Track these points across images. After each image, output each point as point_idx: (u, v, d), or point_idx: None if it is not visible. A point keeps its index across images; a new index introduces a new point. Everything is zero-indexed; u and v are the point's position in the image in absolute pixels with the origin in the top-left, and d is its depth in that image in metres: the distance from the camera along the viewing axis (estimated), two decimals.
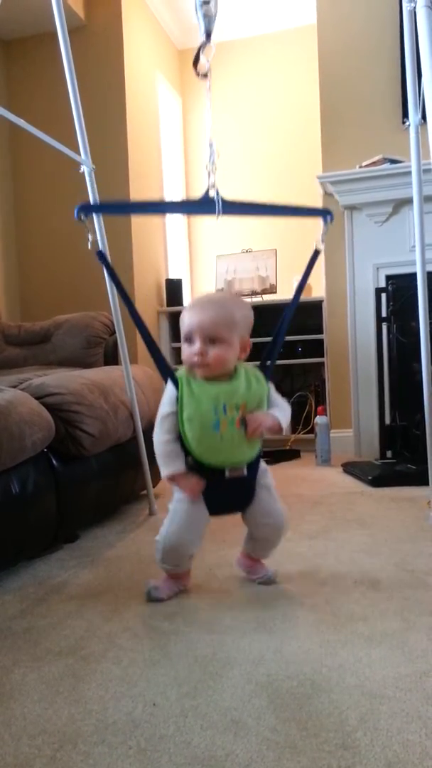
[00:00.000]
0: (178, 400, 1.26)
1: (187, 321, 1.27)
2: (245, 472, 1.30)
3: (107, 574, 1.57)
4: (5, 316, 3.22)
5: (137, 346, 3.17)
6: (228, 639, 1.16)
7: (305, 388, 3.46)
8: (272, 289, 3.49)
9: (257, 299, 3.44)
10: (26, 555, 1.67)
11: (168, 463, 1.28)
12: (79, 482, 1.83)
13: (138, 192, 3.27)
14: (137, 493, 2.29)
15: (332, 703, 0.94)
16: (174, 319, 3.50)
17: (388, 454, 2.74)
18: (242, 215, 1.45)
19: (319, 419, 2.97)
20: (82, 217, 1.33)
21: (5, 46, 3.36)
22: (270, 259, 3.53)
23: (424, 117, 1.87)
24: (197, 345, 1.24)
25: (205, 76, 1.36)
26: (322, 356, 3.24)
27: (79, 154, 1.95)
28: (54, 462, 1.73)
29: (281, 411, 1.31)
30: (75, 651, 1.15)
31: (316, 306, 3.25)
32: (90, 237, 1.34)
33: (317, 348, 3.25)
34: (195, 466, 1.27)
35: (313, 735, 0.86)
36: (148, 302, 3.40)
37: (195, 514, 1.31)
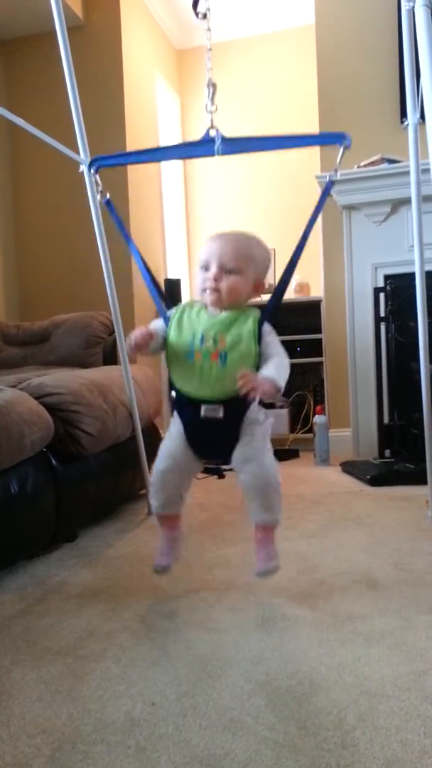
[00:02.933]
0: (168, 326, 1.29)
1: (205, 249, 1.27)
2: (220, 414, 1.24)
3: (106, 573, 1.57)
4: (4, 316, 3.21)
5: None
6: (227, 638, 1.17)
7: (304, 387, 3.46)
8: (271, 289, 3.49)
9: (255, 300, 3.43)
10: (25, 554, 1.67)
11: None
12: (78, 482, 1.83)
13: (136, 190, 3.26)
14: (136, 492, 2.29)
15: (331, 702, 0.94)
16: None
17: (387, 453, 2.75)
18: (245, 152, 1.44)
19: (318, 419, 2.98)
20: (93, 171, 1.43)
21: (4, 46, 3.36)
22: None
23: (422, 116, 1.87)
24: (213, 271, 1.24)
25: (205, 16, 1.37)
26: (321, 356, 3.24)
27: (79, 154, 1.95)
28: (53, 461, 1.73)
29: (277, 368, 1.21)
30: (74, 650, 1.15)
31: (314, 306, 3.25)
32: (100, 190, 1.45)
33: (316, 348, 3.25)
34: (177, 398, 1.28)
35: (312, 734, 0.86)
36: (147, 302, 3.38)
37: (178, 447, 1.30)
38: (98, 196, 1.46)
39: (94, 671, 1.07)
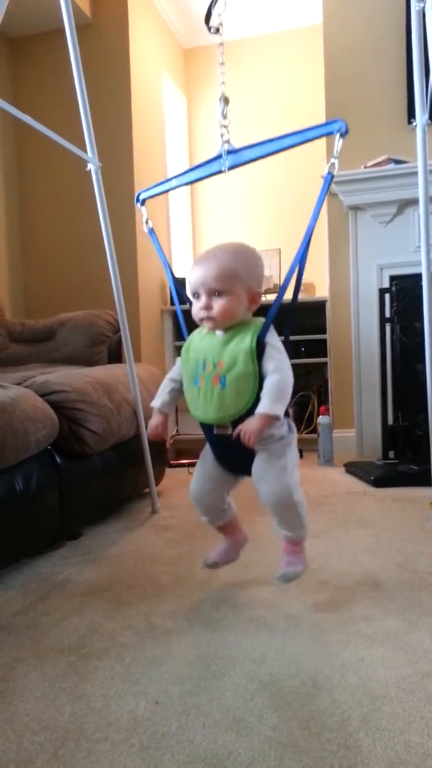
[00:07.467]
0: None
1: (192, 278, 1.29)
2: (230, 431, 1.23)
3: (110, 571, 1.57)
4: (10, 314, 3.22)
5: (141, 344, 3.17)
6: (230, 638, 1.17)
7: (308, 387, 3.46)
8: (276, 289, 3.49)
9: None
10: (29, 552, 1.68)
11: (156, 396, 1.39)
12: (82, 480, 1.83)
13: (141, 185, 3.26)
14: (140, 491, 2.29)
15: (334, 703, 0.94)
16: (177, 318, 3.50)
17: (391, 454, 2.74)
18: (252, 160, 1.48)
19: (322, 419, 2.97)
20: (139, 206, 1.58)
21: (13, 44, 3.36)
22: (274, 259, 3.53)
23: (430, 117, 1.87)
24: (203, 299, 1.25)
25: (218, 30, 1.38)
26: (326, 356, 3.23)
27: (86, 152, 1.95)
28: (57, 459, 1.73)
29: (272, 396, 1.17)
30: (77, 648, 1.16)
31: (319, 306, 3.25)
32: (144, 218, 1.57)
33: (320, 348, 3.24)
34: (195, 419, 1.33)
35: (315, 734, 0.86)
36: (152, 301, 3.40)
37: (208, 467, 1.36)
38: (144, 226, 1.56)
39: (97, 669, 1.07)
